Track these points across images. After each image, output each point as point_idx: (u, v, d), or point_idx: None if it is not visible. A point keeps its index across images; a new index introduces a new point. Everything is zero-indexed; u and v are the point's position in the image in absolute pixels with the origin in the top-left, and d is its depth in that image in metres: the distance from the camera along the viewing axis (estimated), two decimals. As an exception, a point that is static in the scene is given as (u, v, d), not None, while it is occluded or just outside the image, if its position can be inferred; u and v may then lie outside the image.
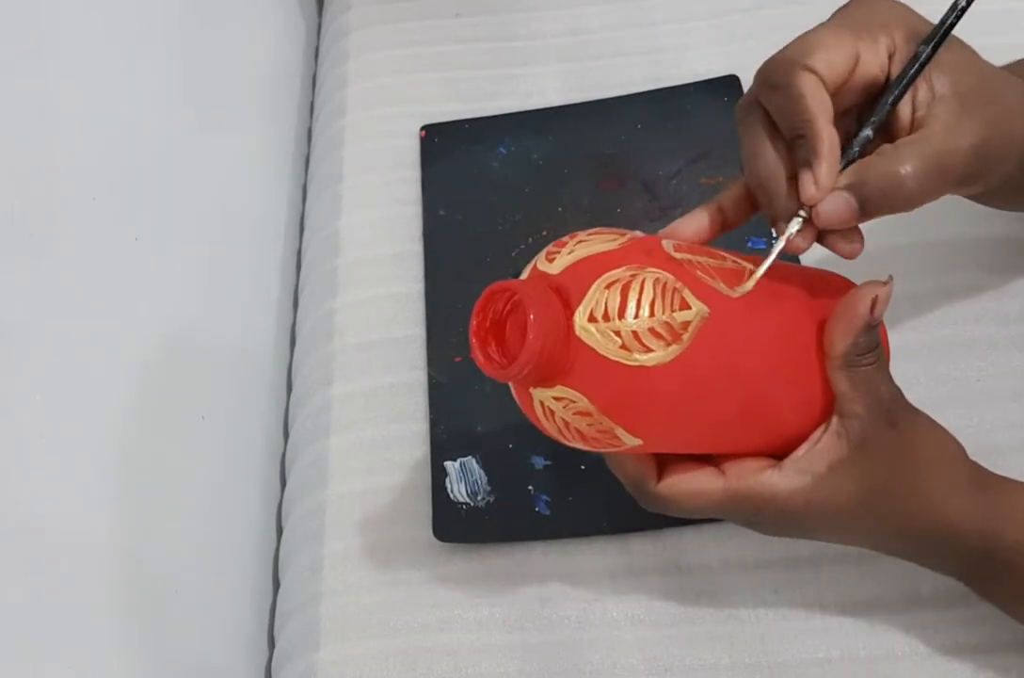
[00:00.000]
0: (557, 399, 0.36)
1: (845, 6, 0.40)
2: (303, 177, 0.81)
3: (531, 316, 0.34)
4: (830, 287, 0.43)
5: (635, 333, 0.34)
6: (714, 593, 0.52)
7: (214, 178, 0.66)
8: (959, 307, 0.58)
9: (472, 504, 0.56)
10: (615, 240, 0.37)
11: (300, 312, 0.71)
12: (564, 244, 0.37)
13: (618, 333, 0.34)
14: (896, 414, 0.40)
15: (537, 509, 0.55)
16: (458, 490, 0.57)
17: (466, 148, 0.72)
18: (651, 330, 0.35)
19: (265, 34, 0.82)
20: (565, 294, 0.36)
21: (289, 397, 0.69)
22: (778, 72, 0.37)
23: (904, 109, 0.38)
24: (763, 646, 0.50)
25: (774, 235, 0.39)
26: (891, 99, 0.38)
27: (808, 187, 0.37)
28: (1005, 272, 0.59)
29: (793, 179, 0.38)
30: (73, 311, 0.46)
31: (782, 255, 0.38)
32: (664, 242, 0.38)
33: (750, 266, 0.39)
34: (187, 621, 0.53)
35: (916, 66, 0.38)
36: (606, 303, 0.35)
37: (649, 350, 0.35)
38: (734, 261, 0.40)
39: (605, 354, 0.35)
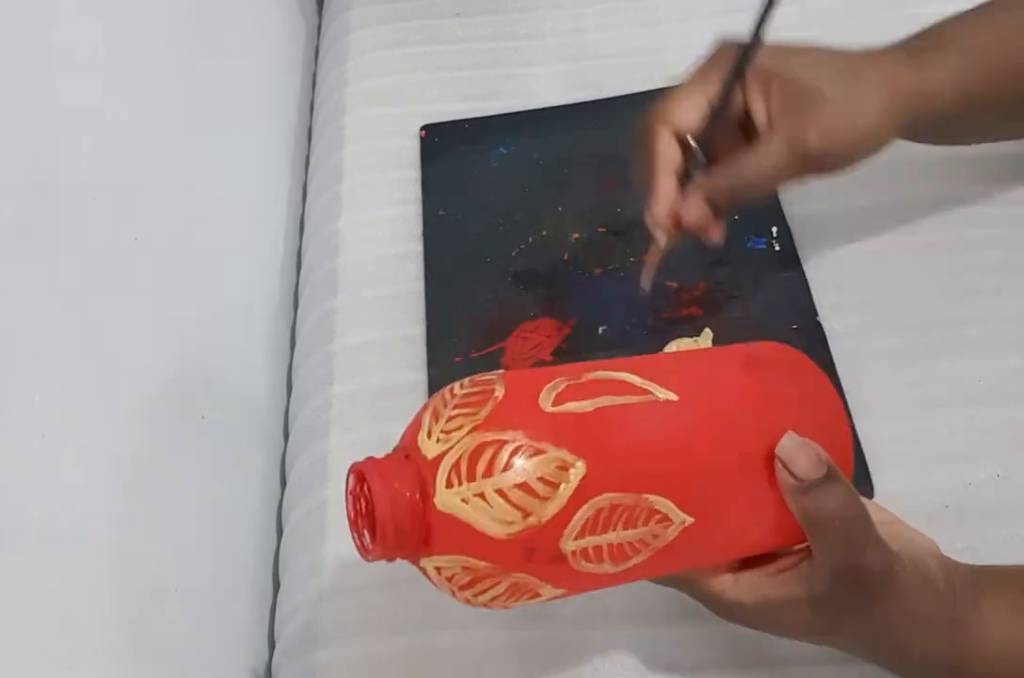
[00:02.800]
0: (438, 569, 0.35)
1: (704, 57, 0.50)
2: (303, 177, 0.81)
3: (373, 492, 0.34)
4: (781, 380, 0.40)
5: (500, 491, 0.33)
6: (714, 593, 0.52)
7: (214, 178, 0.66)
8: (960, 307, 0.58)
9: (472, 504, 0.56)
10: (477, 414, 0.35)
11: (300, 312, 0.71)
12: (437, 418, 0.35)
13: (483, 495, 0.33)
14: (870, 582, 0.37)
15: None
16: (458, 490, 0.57)
17: (466, 148, 0.72)
18: (520, 485, 0.33)
19: (265, 33, 0.82)
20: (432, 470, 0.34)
21: (289, 397, 0.69)
22: (643, 130, 0.50)
23: (759, 110, 0.48)
24: (764, 647, 0.50)
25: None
26: (711, 117, 0.48)
27: (648, 221, 0.50)
28: (1005, 272, 0.59)
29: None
30: (72, 310, 0.46)
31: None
32: (545, 390, 0.35)
33: (661, 393, 0.37)
34: (187, 621, 0.53)
35: (724, 88, 0.47)
36: (466, 464, 0.33)
37: (523, 510, 0.33)
38: (643, 389, 0.37)
39: (474, 519, 0.33)
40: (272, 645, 0.59)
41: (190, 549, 0.54)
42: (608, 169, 0.68)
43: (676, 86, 0.49)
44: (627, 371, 0.37)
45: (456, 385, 0.36)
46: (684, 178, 0.50)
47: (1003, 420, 0.54)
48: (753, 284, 0.61)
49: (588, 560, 0.34)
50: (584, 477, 0.33)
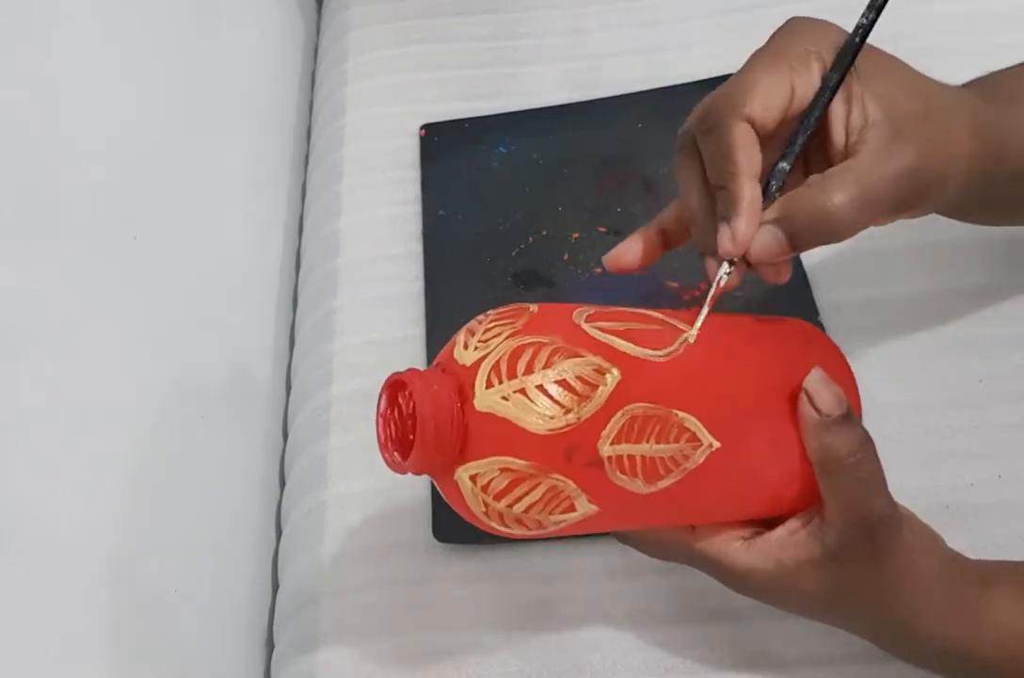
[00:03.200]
0: (473, 478, 0.35)
1: (776, 33, 0.40)
2: (302, 176, 0.81)
3: (415, 395, 0.34)
4: (798, 340, 0.42)
5: (541, 387, 0.34)
6: (714, 593, 0.52)
7: (213, 177, 0.66)
8: (961, 307, 0.58)
9: (472, 504, 0.56)
10: (515, 322, 0.36)
11: (300, 312, 0.71)
12: (473, 333, 0.37)
13: (523, 391, 0.34)
14: (878, 531, 0.38)
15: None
16: (458, 490, 0.57)
17: (466, 147, 0.72)
18: (560, 382, 0.34)
19: (264, 32, 0.82)
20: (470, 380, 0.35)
21: (289, 397, 0.69)
22: (713, 117, 0.37)
23: (838, 135, 0.38)
24: (764, 648, 0.50)
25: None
26: (804, 130, 0.38)
27: (725, 243, 0.37)
28: (1007, 272, 0.59)
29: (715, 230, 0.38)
30: (71, 310, 0.46)
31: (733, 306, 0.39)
32: (576, 312, 0.37)
33: (682, 326, 0.38)
34: (186, 621, 0.53)
35: (826, 93, 0.37)
36: (506, 364, 0.34)
37: (563, 406, 0.34)
38: (664, 321, 0.38)
39: (515, 415, 0.34)
40: (271, 645, 0.59)
41: (190, 549, 0.54)
42: (608, 169, 0.68)
43: (746, 70, 0.39)
44: (653, 311, 0.39)
45: (490, 311, 0.38)
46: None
47: (1004, 421, 0.54)
48: (753, 284, 0.61)
49: (623, 470, 0.35)
50: (620, 383, 0.34)
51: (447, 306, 0.64)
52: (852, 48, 0.38)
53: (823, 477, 0.38)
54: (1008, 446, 0.53)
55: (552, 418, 0.34)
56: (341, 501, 0.59)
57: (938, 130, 0.38)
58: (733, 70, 0.69)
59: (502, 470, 0.34)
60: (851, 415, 0.38)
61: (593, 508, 0.36)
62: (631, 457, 0.35)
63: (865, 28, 0.38)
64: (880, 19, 0.72)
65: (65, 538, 0.43)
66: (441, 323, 0.64)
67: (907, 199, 0.37)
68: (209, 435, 0.59)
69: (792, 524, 0.40)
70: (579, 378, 0.34)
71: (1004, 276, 0.59)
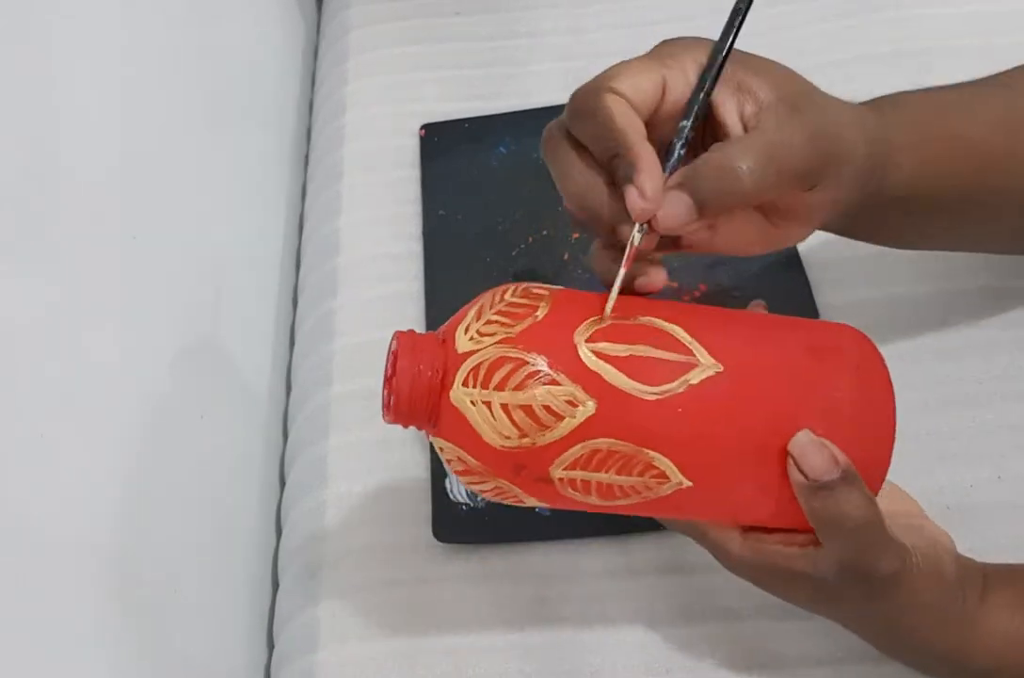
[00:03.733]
0: (441, 449, 0.37)
1: (653, 47, 0.40)
2: (302, 176, 0.81)
3: (398, 365, 0.35)
4: (835, 367, 0.38)
5: (505, 407, 0.34)
6: (714, 593, 0.52)
7: (213, 176, 0.66)
8: (961, 309, 0.58)
9: (472, 504, 0.56)
10: (513, 327, 0.36)
11: (300, 311, 0.71)
12: (480, 315, 0.37)
13: (489, 405, 0.34)
14: (877, 580, 0.37)
15: (537, 509, 0.55)
16: (458, 490, 0.57)
17: (466, 147, 0.72)
18: (524, 407, 0.34)
19: (264, 32, 0.82)
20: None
21: (289, 397, 0.69)
22: (584, 99, 0.37)
23: (734, 124, 0.37)
24: (764, 647, 0.50)
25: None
26: (700, 87, 0.37)
27: (635, 201, 0.34)
28: (1007, 274, 0.59)
29: (618, 195, 0.36)
30: (71, 309, 0.46)
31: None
32: (583, 326, 0.36)
33: (702, 357, 0.36)
34: (186, 621, 0.53)
35: (716, 62, 0.37)
36: (484, 371, 0.35)
37: (521, 430, 0.34)
38: (681, 346, 0.36)
39: (475, 421, 0.34)
40: (271, 645, 0.59)
41: (190, 549, 0.54)
42: (608, 169, 0.68)
43: (619, 63, 0.39)
44: (678, 324, 0.36)
45: (510, 290, 0.38)
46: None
47: (1004, 421, 0.54)
48: (753, 284, 0.61)
49: (575, 489, 0.35)
50: (590, 417, 0.34)
51: (447, 306, 0.63)
52: (737, 15, 0.39)
53: (819, 533, 0.37)
54: (1008, 447, 0.53)
55: (507, 438, 0.34)
56: (341, 501, 0.59)
57: (832, 118, 0.38)
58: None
59: (458, 458, 0.36)
60: (849, 477, 0.35)
61: (543, 505, 0.37)
62: (585, 481, 0.35)
63: (735, 21, 0.39)
64: (878, 17, 0.71)
65: (65, 538, 0.43)
66: (441, 323, 0.62)
67: (810, 167, 0.37)
68: (209, 435, 0.59)
69: (791, 538, 0.39)
70: (546, 407, 0.34)
71: (1004, 278, 0.59)
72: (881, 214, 0.43)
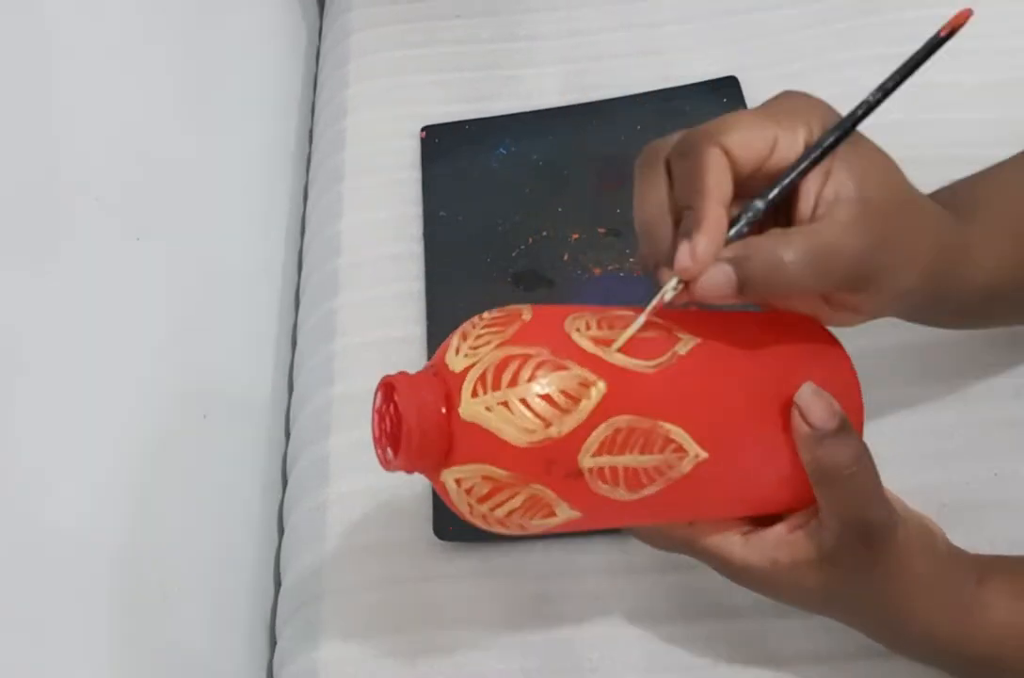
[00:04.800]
0: (458, 481, 0.35)
1: (770, 99, 0.39)
2: (304, 178, 0.81)
3: (401, 401, 0.35)
4: (800, 342, 0.41)
5: (524, 401, 0.34)
6: (714, 592, 0.52)
7: (216, 178, 0.66)
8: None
9: (472, 503, 0.56)
10: (504, 331, 0.36)
11: (301, 312, 0.71)
12: (465, 337, 0.37)
13: (506, 404, 0.34)
14: (874, 537, 0.38)
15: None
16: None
17: (466, 149, 0.73)
18: (543, 396, 0.34)
19: (266, 35, 0.82)
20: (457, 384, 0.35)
21: (290, 397, 0.69)
22: (691, 144, 0.37)
23: (806, 203, 0.37)
24: (763, 645, 0.50)
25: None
26: (789, 175, 0.37)
27: (684, 258, 0.35)
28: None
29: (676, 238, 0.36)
30: (74, 310, 0.46)
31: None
32: (569, 319, 0.37)
33: (680, 333, 0.38)
34: (188, 620, 0.53)
35: (818, 149, 0.37)
36: (491, 375, 0.34)
37: (544, 420, 0.34)
38: (661, 326, 0.38)
39: (497, 426, 0.34)
40: (272, 644, 0.59)
41: (190, 549, 0.54)
42: (608, 169, 0.69)
43: (736, 112, 0.39)
44: (653, 316, 0.37)
45: (485, 313, 0.38)
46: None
47: (1001, 420, 0.55)
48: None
49: (604, 480, 0.35)
50: (604, 396, 0.34)
51: (447, 306, 0.64)
52: (852, 118, 0.37)
53: (819, 488, 0.38)
54: (1004, 445, 0.54)
55: (532, 432, 0.34)
56: (343, 500, 0.59)
57: (904, 226, 0.38)
58: (733, 71, 0.70)
59: (484, 477, 0.35)
60: (846, 426, 0.37)
61: (575, 513, 0.36)
62: (613, 468, 0.35)
63: (870, 105, 0.38)
64: (881, 19, 0.71)
65: (67, 537, 0.43)
66: (441, 323, 0.64)
67: (857, 276, 0.37)
68: (211, 435, 0.59)
69: (789, 523, 0.40)
70: (562, 392, 0.34)
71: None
72: (950, 307, 0.44)
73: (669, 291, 0.36)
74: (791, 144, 0.37)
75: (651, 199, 0.38)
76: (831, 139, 0.37)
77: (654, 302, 0.37)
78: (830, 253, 0.36)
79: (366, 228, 0.71)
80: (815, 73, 0.70)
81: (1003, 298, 0.45)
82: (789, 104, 0.39)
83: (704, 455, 0.36)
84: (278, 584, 0.61)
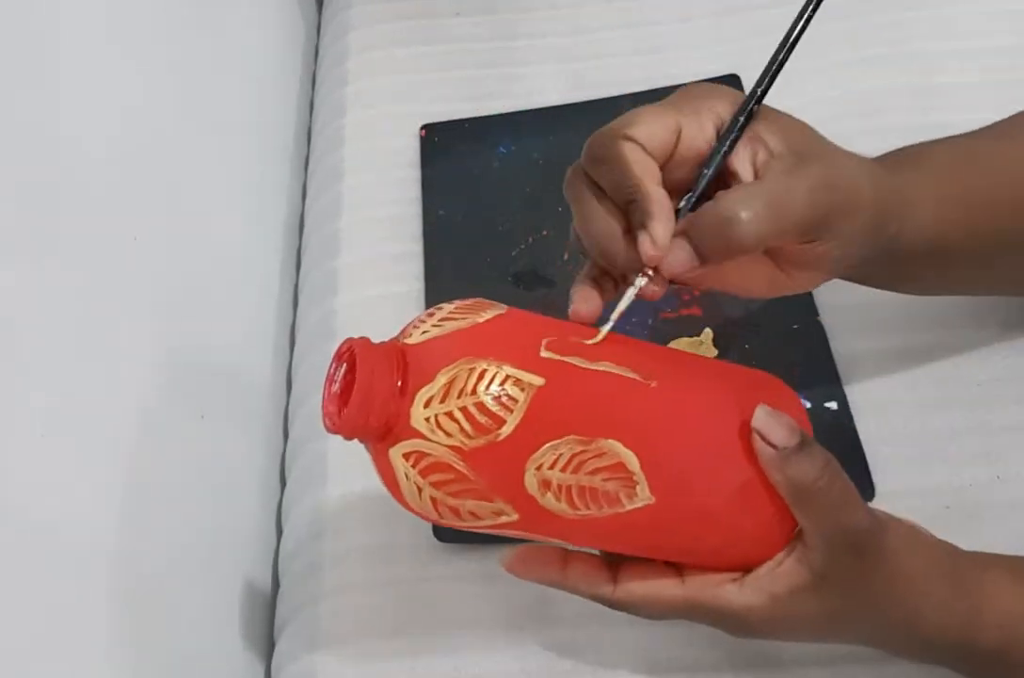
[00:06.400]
0: (406, 455, 0.36)
1: (674, 93, 0.41)
2: (303, 176, 0.81)
3: (359, 376, 0.35)
4: (757, 386, 0.41)
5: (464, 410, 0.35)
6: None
7: (213, 177, 0.66)
8: (961, 310, 0.58)
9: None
10: (474, 317, 0.37)
11: (300, 311, 0.71)
12: (432, 315, 0.38)
13: (450, 415, 0.35)
14: (860, 545, 0.38)
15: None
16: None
17: (466, 147, 0.72)
18: (478, 405, 0.35)
19: (265, 32, 0.82)
20: (413, 362, 0.36)
21: (289, 396, 0.69)
22: (601, 145, 0.39)
23: (745, 172, 0.39)
24: (763, 646, 0.50)
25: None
26: (721, 149, 0.38)
27: (646, 247, 0.37)
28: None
29: (632, 241, 0.38)
30: (72, 310, 0.46)
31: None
32: (544, 342, 0.37)
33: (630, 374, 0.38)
34: (187, 621, 0.53)
35: (743, 114, 0.38)
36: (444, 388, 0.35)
37: (485, 429, 0.35)
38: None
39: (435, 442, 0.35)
40: (272, 645, 0.59)
41: (190, 548, 0.54)
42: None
43: (636, 109, 0.40)
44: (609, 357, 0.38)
45: (458, 301, 0.39)
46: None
47: (1002, 423, 0.55)
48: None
49: (549, 492, 0.36)
50: (538, 402, 0.35)
51: (447, 306, 0.64)
52: (767, 75, 0.39)
53: (796, 506, 0.38)
54: (1006, 447, 0.54)
55: (474, 438, 0.35)
56: (341, 500, 0.59)
57: (840, 171, 0.39)
58: (733, 70, 0.70)
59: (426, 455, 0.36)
60: (807, 440, 0.37)
61: (516, 516, 0.37)
62: (566, 486, 0.36)
63: (777, 65, 0.39)
64: (881, 19, 0.72)
65: (65, 537, 0.43)
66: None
67: (810, 220, 0.38)
68: (210, 434, 0.59)
69: (778, 556, 0.39)
70: (506, 395, 0.35)
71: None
72: (901, 266, 0.45)
73: (640, 281, 0.38)
74: (697, 130, 0.39)
75: (591, 215, 0.39)
76: (752, 103, 0.38)
77: (628, 297, 0.38)
78: (781, 200, 0.37)
79: (365, 227, 0.71)
80: (815, 73, 0.70)
81: (957, 264, 0.46)
82: (689, 94, 0.40)
83: (649, 498, 0.36)
84: (277, 585, 0.61)
